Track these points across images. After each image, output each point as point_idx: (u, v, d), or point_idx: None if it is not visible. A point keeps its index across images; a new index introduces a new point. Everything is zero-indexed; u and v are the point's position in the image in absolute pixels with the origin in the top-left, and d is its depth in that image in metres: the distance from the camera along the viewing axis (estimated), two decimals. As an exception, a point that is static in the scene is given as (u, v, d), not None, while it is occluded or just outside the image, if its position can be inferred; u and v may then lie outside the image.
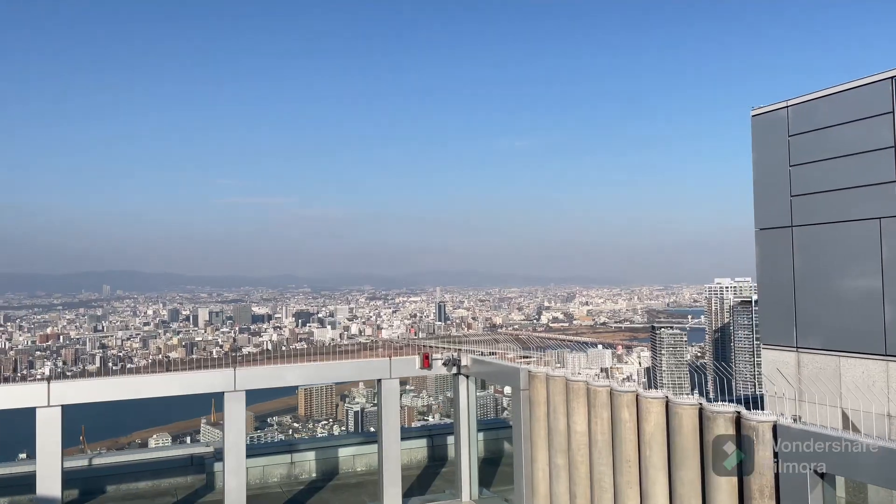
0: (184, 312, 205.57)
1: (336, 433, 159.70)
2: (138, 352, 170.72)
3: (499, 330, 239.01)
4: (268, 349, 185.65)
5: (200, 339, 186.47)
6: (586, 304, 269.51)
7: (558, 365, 15.40)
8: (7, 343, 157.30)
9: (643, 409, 11.72)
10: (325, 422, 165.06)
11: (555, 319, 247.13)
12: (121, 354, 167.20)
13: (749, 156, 12.20)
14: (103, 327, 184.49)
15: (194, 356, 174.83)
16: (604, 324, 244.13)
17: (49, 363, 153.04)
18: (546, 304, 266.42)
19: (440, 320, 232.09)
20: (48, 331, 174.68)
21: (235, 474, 16.47)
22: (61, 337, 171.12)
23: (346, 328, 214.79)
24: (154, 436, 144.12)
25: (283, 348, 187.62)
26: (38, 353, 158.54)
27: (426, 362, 18.57)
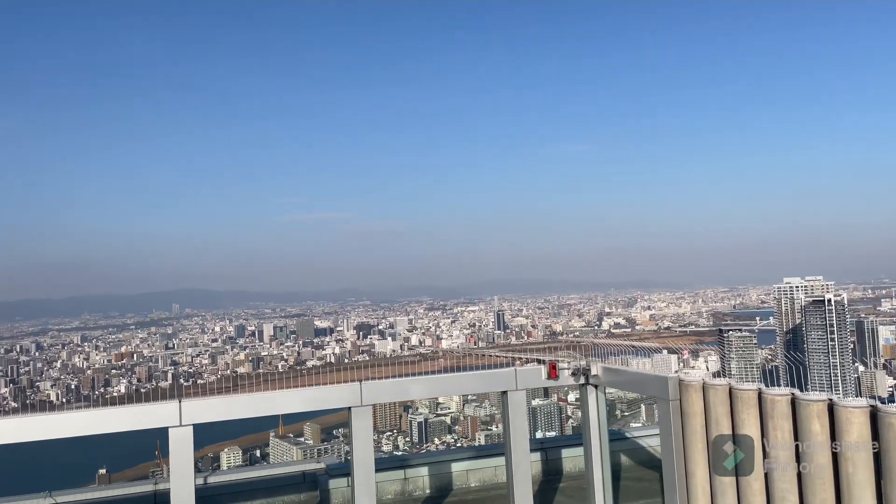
0: (249, 328, 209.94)
1: (401, 445, 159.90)
2: (207, 367, 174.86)
3: (559, 337, 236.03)
4: (330, 361, 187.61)
5: (266, 353, 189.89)
6: (648, 308, 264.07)
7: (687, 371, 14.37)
8: (85, 362, 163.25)
9: (842, 420, 10.69)
10: (390, 433, 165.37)
11: (616, 325, 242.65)
12: (191, 371, 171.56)
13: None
14: (174, 345, 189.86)
15: (261, 370, 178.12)
16: (668, 328, 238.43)
17: (124, 381, 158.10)
18: (607, 309, 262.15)
19: (499, 329, 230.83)
20: (122, 349, 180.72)
21: (366, 492, 15.71)
22: (135, 355, 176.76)
23: (407, 339, 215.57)
24: (225, 450, 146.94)
25: (346, 360, 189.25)
26: (114, 371, 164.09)
27: (553, 372, 17.63)
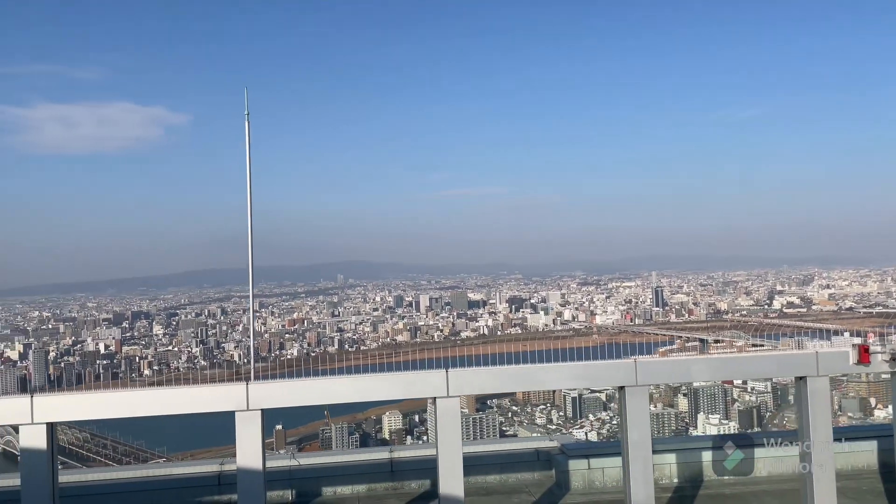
0: (407, 298, 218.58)
1: (554, 419, 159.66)
2: (369, 335, 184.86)
3: (724, 316, 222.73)
4: (484, 333, 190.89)
5: (423, 323, 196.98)
6: (827, 287, 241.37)
7: None
8: (263, 326, 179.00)
9: None
10: (543, 406, 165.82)
11: (789, 304, 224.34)
12: (355, 337, 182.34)
13: None
14: (339, 312, 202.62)
15: (418, 339, 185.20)
16: (850, 309, 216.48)
17: (297, 345, 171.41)
18: (779, 287, 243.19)
19: (657, 306, 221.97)
20: (294, 316, 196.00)
21: (642, 479, 14.02)
22: (305, 321, 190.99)
23: (559, 314, 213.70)
24: (387, 413, 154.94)
25: (499, 333, 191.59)
26: (287, 335, 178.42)
27: (864, 356, 14.77)
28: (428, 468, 15.90)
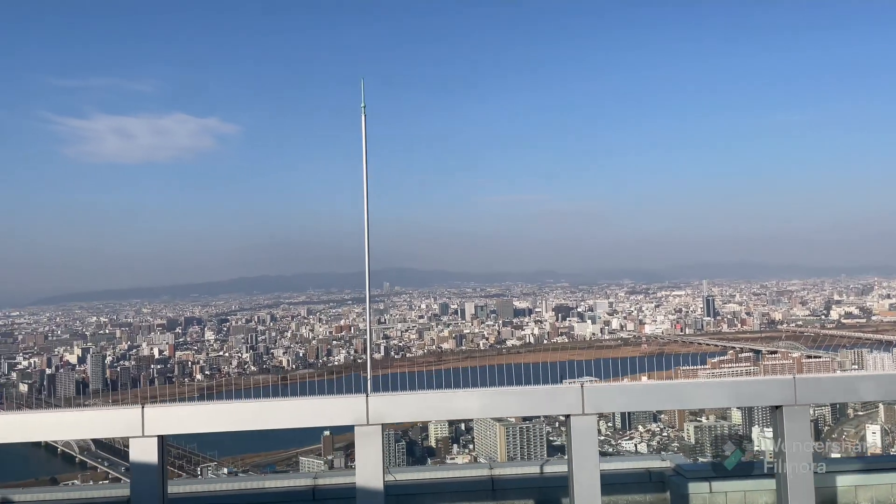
0: (452, 306, 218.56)
1: (603, 430, 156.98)
2: (415, 342, 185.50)
3: (779, 327, 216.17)
4: (529, 342, 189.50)
5: (468, 331, 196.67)
6: (887, 296, 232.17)
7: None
8: (310, 333, 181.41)
9: None
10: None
11: (847, 315, 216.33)
12: (400, 344, 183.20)
13: None
14: (385, 320, 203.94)
15: (463, 347, 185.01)
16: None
17: (343, 351, 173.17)
18: (836, 297, 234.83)
19: (708, 315, 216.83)
20: (341, 322, 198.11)
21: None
22: (352, 328, 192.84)
23: (607, 323, 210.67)
24: (433, 420, 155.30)
25: (545, 341, 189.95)
26: (335, 342, 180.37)
27: None
28: (530, 487, 15.41)
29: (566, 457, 13.43)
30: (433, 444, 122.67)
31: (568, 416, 12.72)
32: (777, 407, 13.13)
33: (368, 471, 12.49)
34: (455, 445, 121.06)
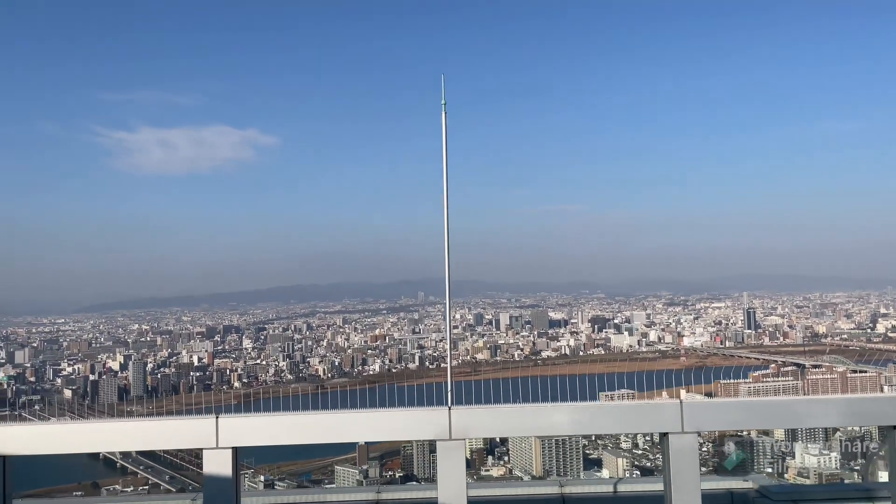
0: (486, 317, 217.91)
1: (640, 443, 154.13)
2: (449, 353, 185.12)
3: (822, 340, 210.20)
4: (565, 353, 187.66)
5: (503, 342, 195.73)
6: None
7: None
8: (346, 342, 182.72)
9: None
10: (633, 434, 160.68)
11: (894, 328, 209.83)
12: (435, 354, 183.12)
13: None
14: (419, 329, 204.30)
15: (498, 357, 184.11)
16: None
17: (378, 360, 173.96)
18: (882, 310, 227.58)
19: (749, 328, 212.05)
20: (376, 332, 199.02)
21: None
22: (387, 338, 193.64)
23: (645, 335, 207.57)
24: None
25: (581, 353, 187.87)
26: (370, 351, 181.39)
27: None
28: None
29: (661, 476, 12.37)
30: (468, 454, 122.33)
31: (665, 435, 11.97)
32: (895, 427, 11.92)
33: (451, 488, 11.95)
34: (490, 457, 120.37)
